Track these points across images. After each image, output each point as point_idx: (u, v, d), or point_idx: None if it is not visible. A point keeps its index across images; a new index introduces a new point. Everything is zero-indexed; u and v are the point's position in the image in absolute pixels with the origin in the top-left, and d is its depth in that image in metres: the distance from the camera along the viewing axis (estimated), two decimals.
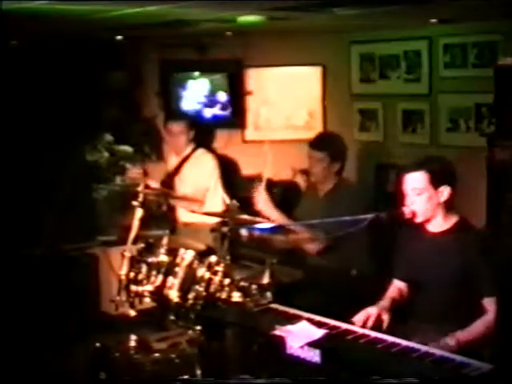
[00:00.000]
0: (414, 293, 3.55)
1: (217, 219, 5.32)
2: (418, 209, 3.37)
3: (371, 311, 3.32)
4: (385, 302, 3.45)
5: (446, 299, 3.34)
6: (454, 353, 2.96)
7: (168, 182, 5.76)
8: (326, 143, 4.57)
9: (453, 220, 3.41)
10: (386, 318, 3.29)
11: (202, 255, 3.75)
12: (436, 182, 3.35)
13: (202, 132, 6.09)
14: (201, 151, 5.80)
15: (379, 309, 3.34)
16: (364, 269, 4.40)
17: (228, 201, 5.59)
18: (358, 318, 3.31)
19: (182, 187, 5.67)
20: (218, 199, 5.66)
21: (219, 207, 5.51)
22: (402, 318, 3.49)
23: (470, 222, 3.46)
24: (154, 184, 5.36)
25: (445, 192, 3.36)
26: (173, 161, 5.88)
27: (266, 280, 3.62)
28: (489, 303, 3.25)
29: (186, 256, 3.73)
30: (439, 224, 3.42)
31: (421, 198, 3.36)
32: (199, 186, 5.60)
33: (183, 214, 5.73)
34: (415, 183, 3.36)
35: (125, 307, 3.81)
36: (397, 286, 3.61)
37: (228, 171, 6.59)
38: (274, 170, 6.44)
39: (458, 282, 3.30)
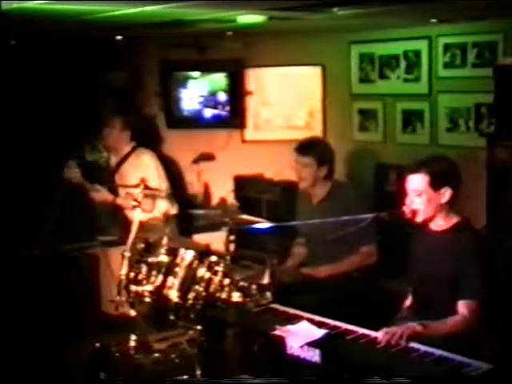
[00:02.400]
0: (414, 291, 3.55)
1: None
2: (417, 209, 3.37)
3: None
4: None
5: (442, 298, 3.34)
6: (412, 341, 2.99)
7: (107, 180, 5.63)
8: (311, 148, 4.53)
9: (453, 220, 3.40)
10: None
11: (201, 255, 3.76)
12: (437, 184, 3.32)
13: (141, 130, 5.92)
14: (140, 150, 5.61)
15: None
16: (365, 269, 4.39)
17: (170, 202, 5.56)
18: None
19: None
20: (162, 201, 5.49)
21: (163, 208, 5.43)
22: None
23: (469, 223, 3.45)
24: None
25: (446, 194, 3.34)
26: (113, 159, 5.72)
27: (265, 280, 3.62)
28: (462, 306, 3.24)
29: (186, 256, 3.74)
30: (439, 224, 3.42)
31: (420, 198, 3.35)
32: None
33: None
34: (415, 185, 3.36)
35: (125, 307, 3.82)
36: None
37: (227, 171, 6.61)
38: (274, 170, 6.48)
39: (452, 282, 3.30)
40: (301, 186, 4.57)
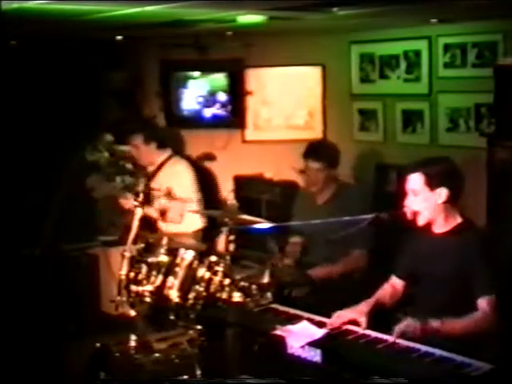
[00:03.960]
0: (414, 292, 3.55)
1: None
2: (415, 209, 3.37)
3: (344, 315, 3.33)
4: (366, 305, 3.44)
5: (444, 299, 3.34)
6: (427, 339, 3.02)
7: (145, 190, 5.57)
8: (321, 152, 4.53)
9: (455, 222, 3.39)
10: (363, 321, 3.30)
11: (202, 255, 3.76)
12: (432, 184, 3.32)
13: (172, 138, 5.93)
14: (175, 160, 5.55)
15: (354, 314, 3.34)
16: (365, 270, 4.39)
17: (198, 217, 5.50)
18: (332, 321, 3.32)
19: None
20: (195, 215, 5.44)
21: (197, 223, 5.39)
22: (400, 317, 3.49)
23: (473, 224, 3.44)
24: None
25: (442, 194, 3.33)
26: (149, 169, 5.61)
27: (265, 280, 3.62)
28: (482, 303, 3.24)
29: (186, 256, 3.73)
30: (440, 225, 3.40)
31: (417, 198, 3.35)
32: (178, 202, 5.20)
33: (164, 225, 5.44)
34: (412, 184, 3.37)
35: (125, 307, 3.81)
36: (392, 284, 3.62)
37: (227, 171, 6.61)
38: (274, 170, 6.48)
39: (457, 283, 3.30)
40: (311, 189, 4.55)
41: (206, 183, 5.98)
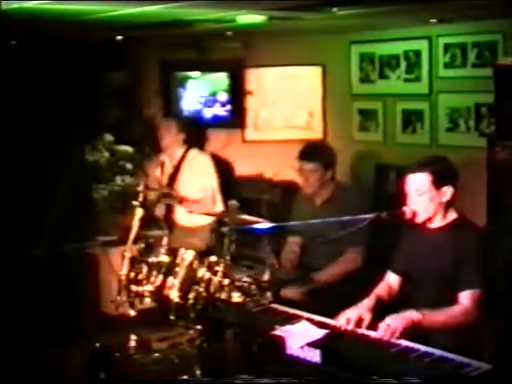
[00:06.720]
0: (409, 286, 3.56)
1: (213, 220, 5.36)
2: (419, 209, 3.37)
3: (351, 314, 3.32)
4: (369, 301, 3.44)
5: (438, 293, 3.35)
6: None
7: (167, 183, 5.70)
8: (316, 154, 4.52)
9: (451, 217, 3.42)
10: (367, 317, 3.29)
11: (202, 255, 3.76)
12: (439, 183, 3.34)
13: (194, 133, 6.04)
14: (195, 152, 5.74)
15: (360, 310, 3.33)
16: (364, 269, 4.40)
17: (221, 202, 5.61)
18: (340, 321, 3.31)
19: (182, 189, 5.61)
20: (218, 201, 5.64)
21: (219, 209, 5.51)
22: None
23: (467, 219, 3.47)
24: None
25: (448, 192, 3.36)
26: (167, 162, 5.79)
27: (265, 280, 3.62)
28: (462, 296, 3.25)
29: (186, 256, 3.73)
30: (438, 221, 3.43)
31: (422, 198, 3.36)
32: (206, 189, 5.55)
33: (181, 216, 5.68)
34: (418, 184, 3.36)
35: (125, 307, 3.81)
36: (387, 282, 3.62)
37: (228, 171, 6.61)
38: (274, 170, 6.48)
39: (450, 277, 3.31)
40: (306, 190, 4.55)
41: (231, 175, 6.37)
